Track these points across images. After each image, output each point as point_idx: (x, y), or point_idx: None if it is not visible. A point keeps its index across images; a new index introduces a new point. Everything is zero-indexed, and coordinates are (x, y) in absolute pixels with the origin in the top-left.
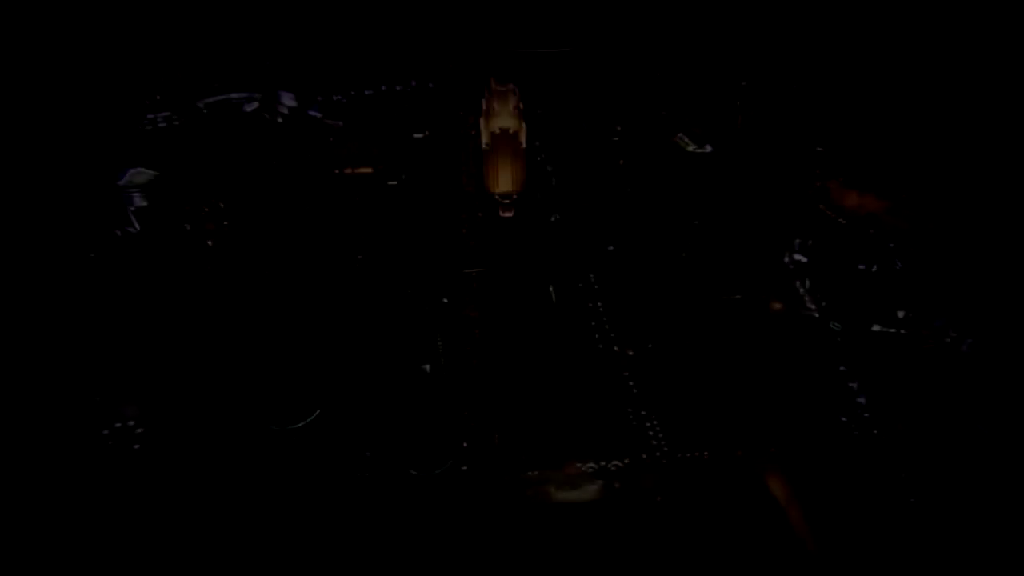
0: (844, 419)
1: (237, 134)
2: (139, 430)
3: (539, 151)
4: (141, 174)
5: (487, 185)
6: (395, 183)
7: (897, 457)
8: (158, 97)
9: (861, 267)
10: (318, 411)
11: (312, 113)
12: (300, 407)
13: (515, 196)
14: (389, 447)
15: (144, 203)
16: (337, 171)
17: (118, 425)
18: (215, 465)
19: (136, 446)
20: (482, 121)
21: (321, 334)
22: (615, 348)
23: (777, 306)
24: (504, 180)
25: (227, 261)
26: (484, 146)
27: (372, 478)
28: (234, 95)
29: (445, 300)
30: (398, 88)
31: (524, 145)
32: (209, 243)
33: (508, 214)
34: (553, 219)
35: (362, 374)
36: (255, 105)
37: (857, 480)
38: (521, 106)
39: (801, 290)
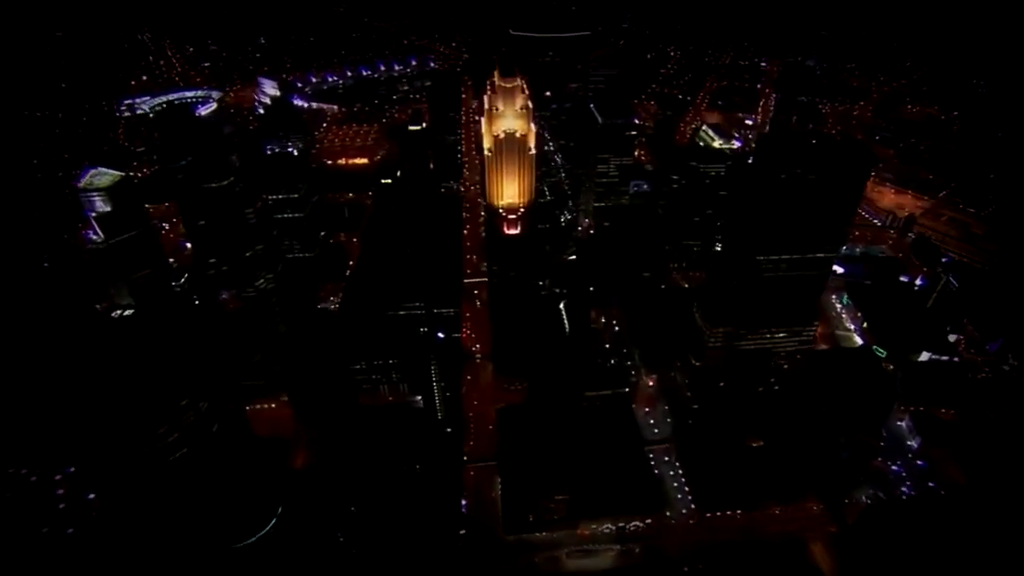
0: (895, 467)
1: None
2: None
3: (547, 146)
4: (103, 175)
5: (489, 196)
6: (390, 181)
7: (960, 518)
8: (144, 77)
9: (904, 279)
10: (275, 518)
11: (298, 102)
12: (253, 515)
13: (522, 210)
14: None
15: (107, 208)
16: (330, 162)
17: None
18: None
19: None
20: (484, 122)
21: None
22: (635, 379)
23: (818, 330)
24: (509, 191)
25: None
26: (487, 151)
27: None
28: (188, 93)
29: (441, 335)
30: (397, 68)
31: (533, 150)
32: (189, 246)
33: (514, 231)
34: (563, 221)
35: (338, 443)
36: (212, 106)
37: (916, 548)
38: (531, 105)
39: (839, 306)
